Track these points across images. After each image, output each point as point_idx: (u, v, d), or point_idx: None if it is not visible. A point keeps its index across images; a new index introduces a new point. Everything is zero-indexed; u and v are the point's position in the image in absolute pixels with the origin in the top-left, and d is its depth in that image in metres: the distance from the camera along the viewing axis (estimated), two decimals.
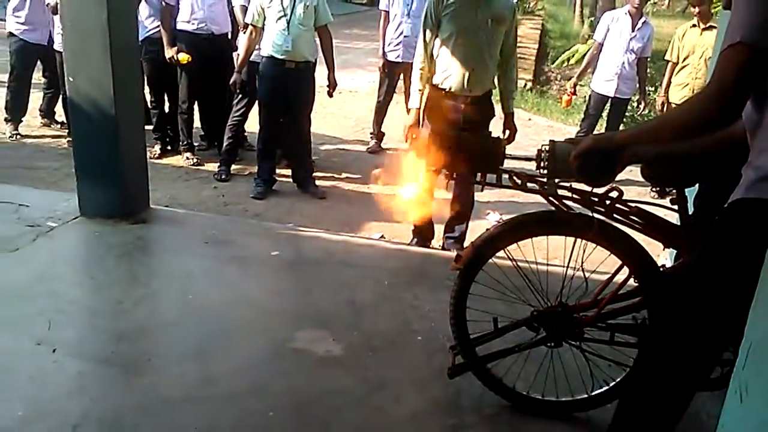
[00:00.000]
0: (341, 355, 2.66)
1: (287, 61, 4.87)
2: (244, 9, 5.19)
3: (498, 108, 3.99)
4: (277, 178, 5.35)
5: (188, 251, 3.51)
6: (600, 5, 12.98)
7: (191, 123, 5.87)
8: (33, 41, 6.04)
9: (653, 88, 8.83)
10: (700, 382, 1.71)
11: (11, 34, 6.06)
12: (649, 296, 2.08)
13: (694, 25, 5.83)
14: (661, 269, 2.11)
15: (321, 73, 5.22)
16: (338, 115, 8.13)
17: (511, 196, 4.86)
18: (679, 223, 2.05)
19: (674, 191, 2.07)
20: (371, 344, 2.74)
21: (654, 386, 1.69)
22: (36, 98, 6.55)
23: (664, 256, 3.37)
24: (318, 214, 4.92)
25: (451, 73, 3.72)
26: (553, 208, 2.11)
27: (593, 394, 2.30)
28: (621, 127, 6.69)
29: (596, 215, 2.04)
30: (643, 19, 6.11)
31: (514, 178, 2.08)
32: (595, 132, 6.42)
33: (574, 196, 2.06)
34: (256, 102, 5.27)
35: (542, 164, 1.99)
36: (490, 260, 2.21)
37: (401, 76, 6.48)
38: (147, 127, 5.22)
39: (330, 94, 5.25)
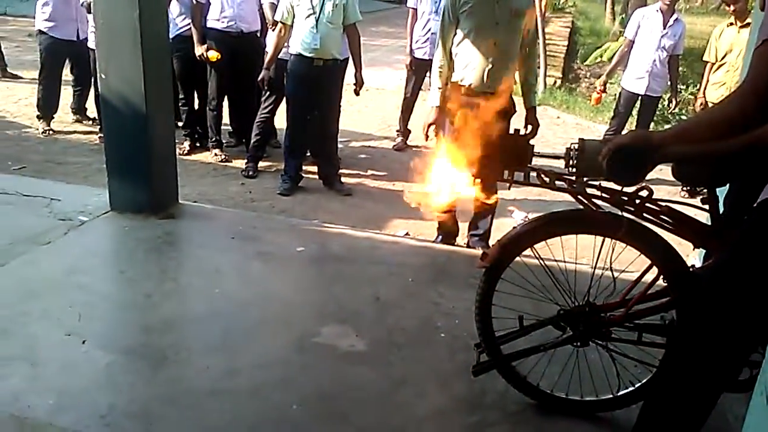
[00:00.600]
0: (365, 350, 2.67)
1: (315, 59, 4.89)
2: (274, 7, 5.22)
3: (519, 103, 3.96)
4: (303, 175, 5.38)
5: (215, 246, 3.54)
6: (631, 2, 12.80)
7: (220, 120, 5.93)
8: (61, 37, 6.13)
9: (684, 86, 8.70)
10: (727, 383, 1.69)
11: (40, 32, 6.16)
12: (677, 296, 2.05)
13: (731, 24, 5.73)
14: (691, 269, 2.08)
15: (349, 71, 5.24)
16: (365, 112, 8.14)
17: (537, 194, 4.84)
18: (709, 223, 2.02)
19: (705, 191, 2.03)
20: (395, 340, 2.75)
21: (680, 386, 1.67)
22: (68, 94, 6.67)
23: (693, 256, 3.32)
24: (343, 210, 4.94)
25: (471, 69, 3.71)
26: (581, 207, 2.09)
27: (619, 394, 2.27)
28: (651, 126, 6.61)
29: (626, 214, 2.01)
30: (674, 16, 6.02)
31: (542, 176, 2.07)
32: (624, 131, 6.34)
33: (604, 194, 2.03)
34: (284, 99, 5.30)
35: (571, 162, 1.97)
36: (517, 258, 2.20)
37: (428, 74, 6.46)
38: (177, 124, 5.32)
39: (357, 92, 5.27)
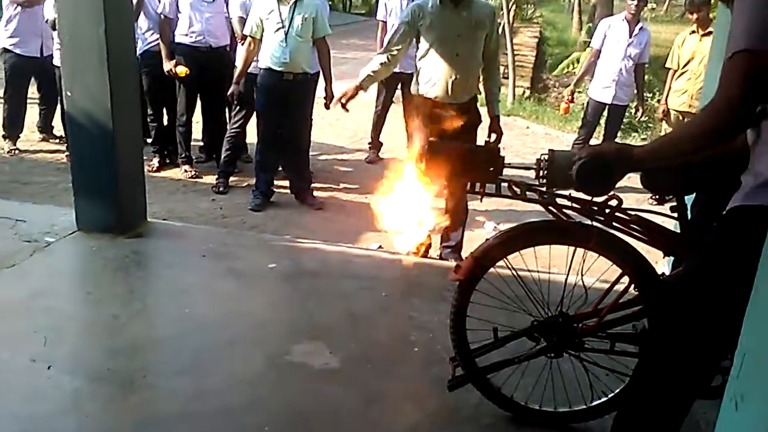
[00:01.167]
0: (338, 367, 2.63)
1: (285, 72, 4.87)
2: (242, 21, 5.19)
3: (485, 112, 3.98)
4: (275, 190, 5.34)
5: (185, 265, 3.49)
6: (598, 12, 13.01)
7: (189, 136, 5.87)
8: (26, 54, 6.03)
9: (651, 94, 8.84)
10: (699, 390, 1.69)
11: (5, 50, 6.06)
12: (648, 305, 2.06)
13: (693, 32, 5.83)
14: (661, 277, 2.10)
15: (319, 84, 5.23)
16: (336, 125, 8.12)
17: (508, 205, 4.81)
18: (678, 231, 2.04)
19: (673, 198, 2.05)
20: (369, 356, 2.72)
21: (652, 394, 1.67)
22: (34, 113, 6.56)
23: (662, 263, 3.35)
24: (316, 225, 4.91)
25: (435, 82, 3.73)
26: (552, 218, 2.09)
27: (592, 404, 2.27)
28: (619, 134, 6.70)
29: (596, 224, 2.02)
30: (640, 25, 6.11)
31: (513, 187, 2.07)
32: (592, 140, 6.42)
33: (574, 205, 2.04)
34: (254, 114, 5.27)
35: (542, 173, 1.97)
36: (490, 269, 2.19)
37: (399, 87, 6.47)
38: (145, 141, 5.26)
39: (327, 106, 5.25)
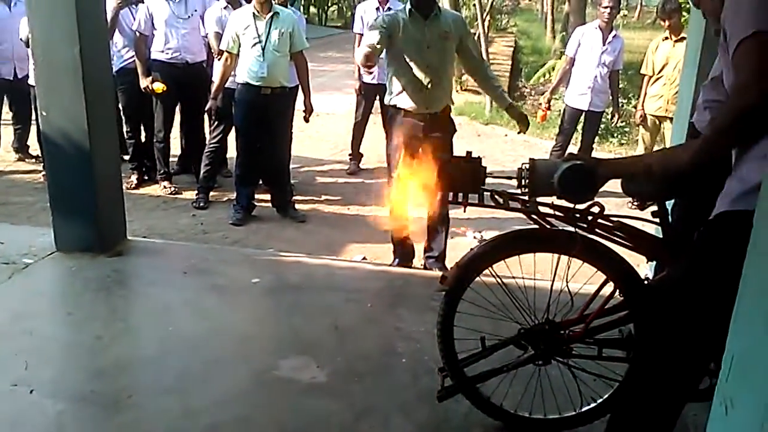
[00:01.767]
0: (326, 381, 2.62)
1: (263, 87, 4.85)
2: (219, 36, 5.17)
3: (458, 121, 4.02)
4: (256, 204, 5.31)
5: (167, 282, 3.45)
6: (571, 20, 13.16)
7: (168, 152, 5.83)
8: None
9: (626, 100, 8.95)
10: (689, 394, 1.70)
11: None
12: (634, 310, 2.08)
13: (666, 38, 5.91)
14: (645, 281, 2.11)
15: (299, 97, 5.23)
16: (316, 137, 8.12)
17: (490, 213, 4.84)
18: (660, 236, 2.06)
19: (654, 203, 2.07)
20: (356, 369, 2.70)
21: (643, 399, 1.67)
22: (9, 132, 6.48)
23: (645, 267, 3.38)
24: (298, 238, 4.89)
25: (408, 93, 3.76)
26: (535, 226, 2.11)
27: (581, 411, 2.28)
28: (596, 140, 6.77)
29: (579, 231, 2.04)
30: (613, 33, 6.20)
31: (496, 197, 2.08)
32: (570, 146, 6.47)
33: (557, 212, 2.05)
34: (233, 128, 5.24)
35: (523, 182, 1.99)
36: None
37: (378, 98, 6.49)
38: (123, 157, 5.21)
39: (306, 119, 5.24)
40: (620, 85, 6.68)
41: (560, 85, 6.76)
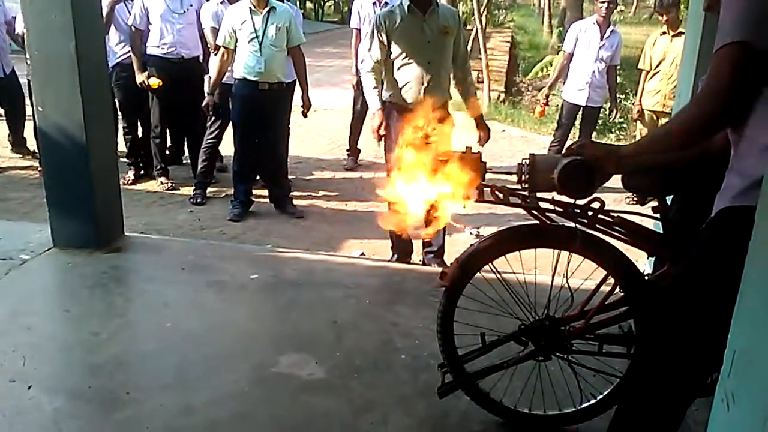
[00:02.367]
0: (325, 377, 2.61)
1: (260, 82, 4.84)
2: (215, 31, 5.15)
3: (456, 117, 4.00)
4: (253, 200, 5.30)
5: (165, 278, 3.44)
6: (568, 16, 13.16)
7: (165, 147, 5.81)
8: None
9: (623, 96, 8.95)
10: (695, 390, 1.69)
11: None
12: (634, 306, 2.08)
13: (663, 33, 5.90)
14: (645, 277, 2.11)
15: (297, 92, 5.21)
16: (314, 133, 8.11)
17: (488, 208, 4.86)
18: (661, 231, 2.05)
19: (653, 199, 2.06)
20: (355, 365, 2.70)
21: (649, 396, 1.67)
22: (3, 128, 6.45)
23: (644, 262, 3.38)
24: (296, 234, 4.88)
25: (407, 88, 3.76)
26: (535, 221, 2.10)
27: (581, 407, 2.27)
28: (594, 135, 6.76)
29: (579, 226, 2.03)
30: (611, 28, 6.19)
31: (496, 192, 2.07)
32: (568, 141, 6.47)
33: (557, 208, 2.04)
34: (230, 124, 5.23)
35: (523, 177, 1.98)
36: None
37: None
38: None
39: (304, 114, 5.23)
40: (618, 81, 6.66)
41: (558, 80, 6.76)
